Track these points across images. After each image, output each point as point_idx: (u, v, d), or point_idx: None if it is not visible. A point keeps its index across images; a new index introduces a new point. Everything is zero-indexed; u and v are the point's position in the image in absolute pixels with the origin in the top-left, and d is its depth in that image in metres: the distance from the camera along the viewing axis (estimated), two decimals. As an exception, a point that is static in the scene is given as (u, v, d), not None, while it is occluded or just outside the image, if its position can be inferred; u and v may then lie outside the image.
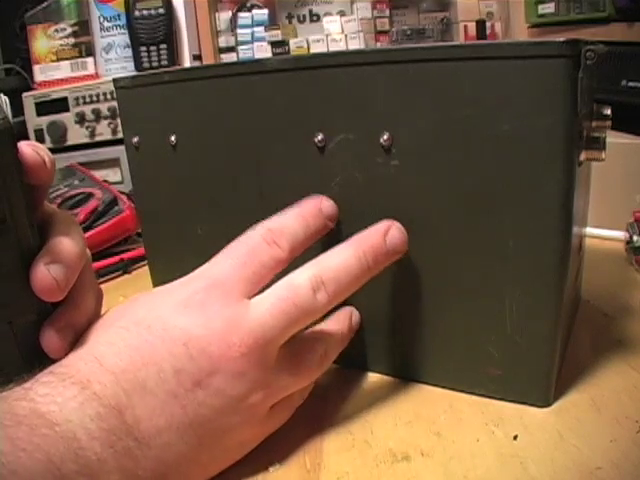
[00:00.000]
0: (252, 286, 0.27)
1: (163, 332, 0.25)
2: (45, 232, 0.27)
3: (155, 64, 1.17)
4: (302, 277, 0.27)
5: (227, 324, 0.25)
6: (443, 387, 0.32)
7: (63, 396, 0.22)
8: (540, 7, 0.75)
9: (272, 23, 1.34)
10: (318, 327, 0.30)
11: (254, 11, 1.34)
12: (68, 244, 0.26)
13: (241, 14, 1.34)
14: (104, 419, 0.22)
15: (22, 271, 0.25)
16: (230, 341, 0.25)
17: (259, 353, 0.26)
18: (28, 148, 0.26)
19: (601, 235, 0.53)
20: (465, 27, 1.31)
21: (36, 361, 0.25)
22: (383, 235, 0.29)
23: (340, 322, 0.31)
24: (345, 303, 0.33)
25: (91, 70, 1.21)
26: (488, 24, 1.29)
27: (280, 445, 0.28)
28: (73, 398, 0.22)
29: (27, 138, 1.16)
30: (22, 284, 0.25)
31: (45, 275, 0.25)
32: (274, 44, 1.31)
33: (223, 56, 1.33)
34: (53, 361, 0.25)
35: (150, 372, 0.24)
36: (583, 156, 0.29)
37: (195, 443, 0.24)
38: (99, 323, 0.27)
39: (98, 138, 1.13)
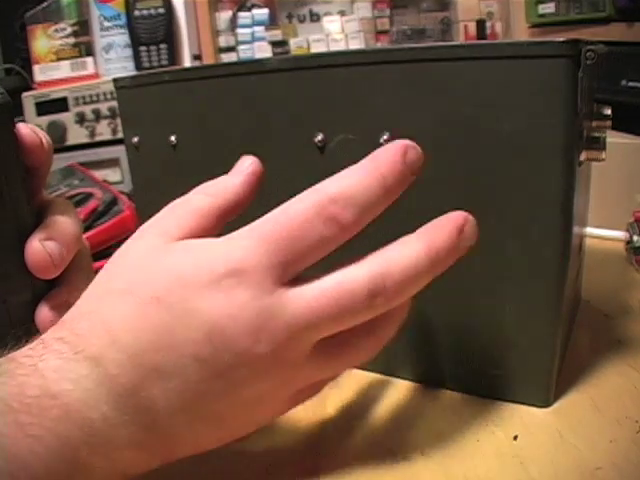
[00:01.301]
0: (291, 270, 0.23)
1: (184, 314, 0.22)
2: (42, 215, 0.27)
3: (155, 64, 1.17)
4: (361, 277, 0.23)
5: (256, 318, 0.23)
6: (443, 387, 0.32)
7: (76, 373, 0.21)
8: (540, 7, 0.76)
9: (272, 23, 1.34)
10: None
11: (254, 11, 1.34)
12: (64, 223, 0.26)
13: (241, 14, 1.34)
14: (118, 400, 0.21)
15: (17, 249, 0.25)
16: (258, 337, 0.23)
17: (289, 351, 0.23)
18: (26, 128, 0.26)
19: (601, 235, 0.53)
20: (465, 27, 1.31)
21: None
22: (458, 233, 0.24)
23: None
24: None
25: (91, 70, 1.21)
26: (488, 24, 1.29)
27: (280, 446, 0.28)
28: (86, 377, 0.21)
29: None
30: (17, 262, 0.25)
31: (40, 251, 0.25)
32: (274, 44, 1.31)
33: (223, 56, 1.33)
34: None
35: (168, 357, 0.22)
36: (583, 156, 0.29)
37: (214, 425, 0.24)
38: (112, 278, 0.25)
39: (98, 138, 1.13)
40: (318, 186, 0.24)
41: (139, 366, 0.22)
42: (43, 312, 0.26)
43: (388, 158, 0.24)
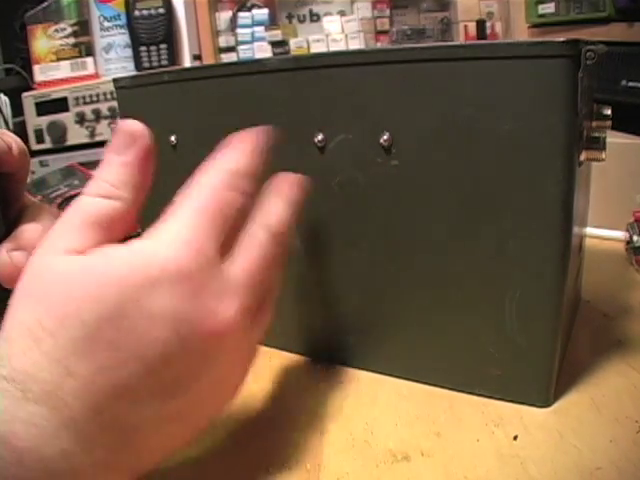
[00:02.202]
0: (222, 239, 0.24)
1: (140, 319, 0.21)
2: (17, 223, 0.26)
3: (155, 64, 1.17)
4: (260, 232, 0.26)
5: (214, 295, 0.23)
6: (443, 387, 0.32)
7: (27, 412, 0.19)
8: (540, 7, 0.76)
9: (272, 23, 1.34)
10: None
11: (254, 11, 1.34)
12: (34, 230, 0.26)
13: (241, 14, 1.34)
14: (79, 429, 0.20)
15: None
16: (218, 312, 0.23)
17: (243, 317, 0.24)
18: None
19: (601, 235, 0.53)
20: (465, 27, 1.31)
21: None
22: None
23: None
24: (347, 303, 0.34)
25: (91, 70, 1.21)
26: (488, 24, 1.29)
27: (280, 446, 0.28)
28: (38, 414, 0.19)
29: (27, 138, 1.16)
30: None
31: (6, 262, 0.24)
32: (274, 44, 1.31)
33: (223, 56, 1.33)
34: None
35: (132, 369, 0.21)
36: (583, 156, 0.29)
37: (181, 421, 0.23)
38: (40, 317, 0.21)
39: (98, 138, 1.13)
40: (214, 162, 0.26)
41: (99, 390, 0.20)
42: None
43: (242, 139, 0.28)
